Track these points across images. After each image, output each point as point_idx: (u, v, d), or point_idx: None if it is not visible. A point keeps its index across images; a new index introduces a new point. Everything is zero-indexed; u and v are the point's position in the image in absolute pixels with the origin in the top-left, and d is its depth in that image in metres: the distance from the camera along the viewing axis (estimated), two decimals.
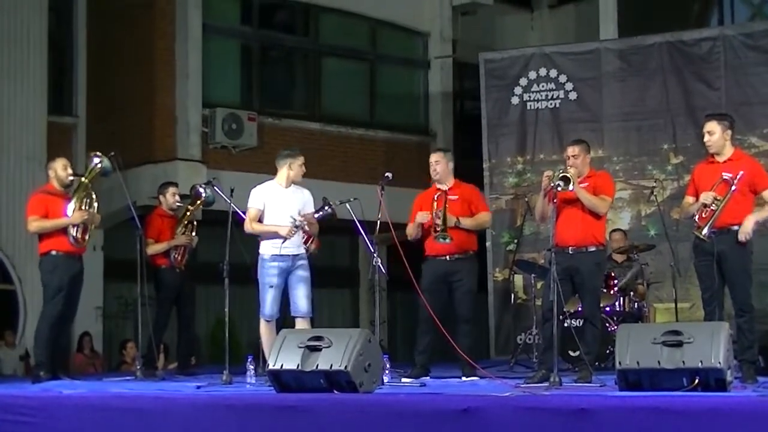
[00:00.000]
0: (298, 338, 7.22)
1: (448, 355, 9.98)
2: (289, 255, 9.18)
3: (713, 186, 8.21)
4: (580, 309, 10.77)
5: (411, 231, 9.67)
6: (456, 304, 9.60)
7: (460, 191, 9.70)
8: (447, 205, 9.48)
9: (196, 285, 11.63)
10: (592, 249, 8.79)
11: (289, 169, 9.34)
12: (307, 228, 9.29)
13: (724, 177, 8.18)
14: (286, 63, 17.42)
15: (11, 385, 9.21)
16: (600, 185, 8.87)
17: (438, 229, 9.44)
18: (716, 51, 13.55)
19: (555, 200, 8.43)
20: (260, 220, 9.30)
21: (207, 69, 15.55)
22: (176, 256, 10.95)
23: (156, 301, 11.04)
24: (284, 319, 9.33)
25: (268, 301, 9.16)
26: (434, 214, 9.48)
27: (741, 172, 8.15)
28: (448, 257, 9.56)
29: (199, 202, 11.10)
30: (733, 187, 8.12)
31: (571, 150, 8.93)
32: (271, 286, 9.15)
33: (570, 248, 8.74)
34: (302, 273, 9.23)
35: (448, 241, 9.39)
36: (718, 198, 8.13)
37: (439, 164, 9.67)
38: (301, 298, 9.17)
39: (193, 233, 11.08)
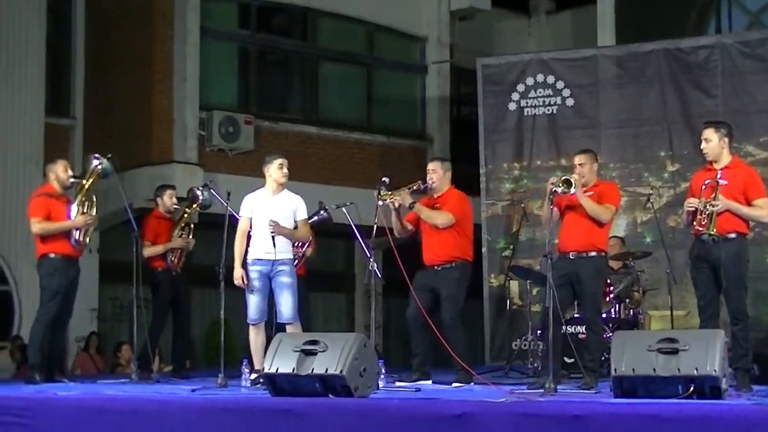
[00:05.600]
0: (294, 342, 7.21)
1: (441, 359, 9.98)
2: (269, 260, 9.20)
3: (699, 193, 8.22)
4: (576, 315, 10.81)
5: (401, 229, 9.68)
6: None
7: (444, 200, 9.69)
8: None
9: (192, 288, 11.62)
10: (593, 254, 8.79)
11: (268, 174, 9.38)
12: (276, 234, 9.23)
13: (706, 182, 8.19)
14: (283, 67, 17.43)
15: (5, 387, 9.19)
16: (605, 194, 8.88)
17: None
18: (713, 59, 13.56)
19: (552, 205, 8.48)
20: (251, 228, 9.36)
21: (204, 72, 15.56)
22: (173, 258, 10.94)
23: (152, 303, 11.02)
24: (276, 324, 9.33)
25: (250, 305, 9.24)
26: None
27: (719, 173, 8.18)
28: (436, 267, 9.56)
29: (195, 204, 11.10)
30: (719, 185, 8.11)
31: (578, 159, 8.97)
32: (253, 290, 9.21)
33: (571, 253, 8.76)
34: (284, 279, 9.22)
35: None
36: (709, 201, 8.13)
37: (436, 173, 9.68)
38: (283, 305, 9.21)
39: (190, 236, 11.07)
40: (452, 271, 9.48)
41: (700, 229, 8.15)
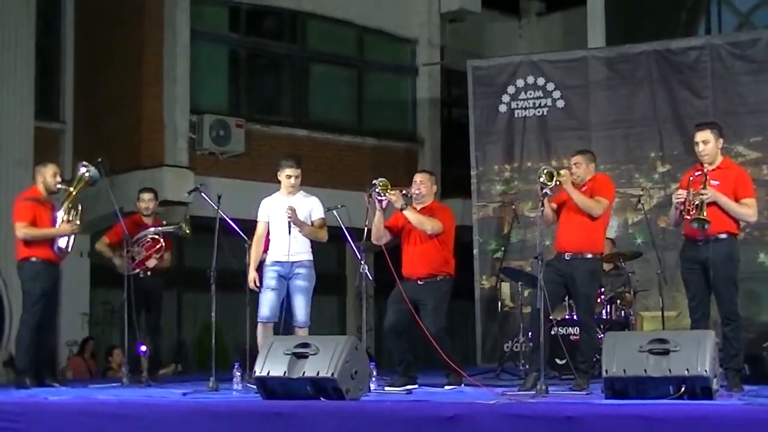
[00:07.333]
0: (285, 345, 7.22)
1: (430, 362, 9.96)
2: (287, 261, 9.30)
3: (687, 186, 8.20)
4: (567, 317, 10.81)
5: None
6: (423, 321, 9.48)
7: (430, 212, 9.63)
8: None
9: (184, 291, 11.58)
10: (588, 256, 8.76)
11: (279, 178, 9.47)
12: (293, 221, 9.27)
13: (696, 174, 8.18)
14: (273, 69, 17.43)
15: None
16: (597, 188, 8.84)
17: None
18: (703, 60, 13.58)
19: (542, 207, 8.46)
20: (269, 231, 9.46)
21: (195, 75, 15.54)
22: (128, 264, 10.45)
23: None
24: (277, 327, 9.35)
25: (264, 302, 9.30)
26: None
27: (707, 169, 8.16)
28: (419, 280, 9.52)
29: (177, 224, 10.89)
30: (707, 177, 8.10)
31: (574, 159, 8.98)
32: (268, 288, 9.30)
33: (567, 254, 8.75)
34: (300, 283, 9.37)
35: None
36: (698, 191, 8.08)
37: (424, 185, 9.68)
38: (297, 308, 9.39)
39: (157, 255, 10.69)
40: (437, 284, 9.44)
41: (688, 217, 8.07)
